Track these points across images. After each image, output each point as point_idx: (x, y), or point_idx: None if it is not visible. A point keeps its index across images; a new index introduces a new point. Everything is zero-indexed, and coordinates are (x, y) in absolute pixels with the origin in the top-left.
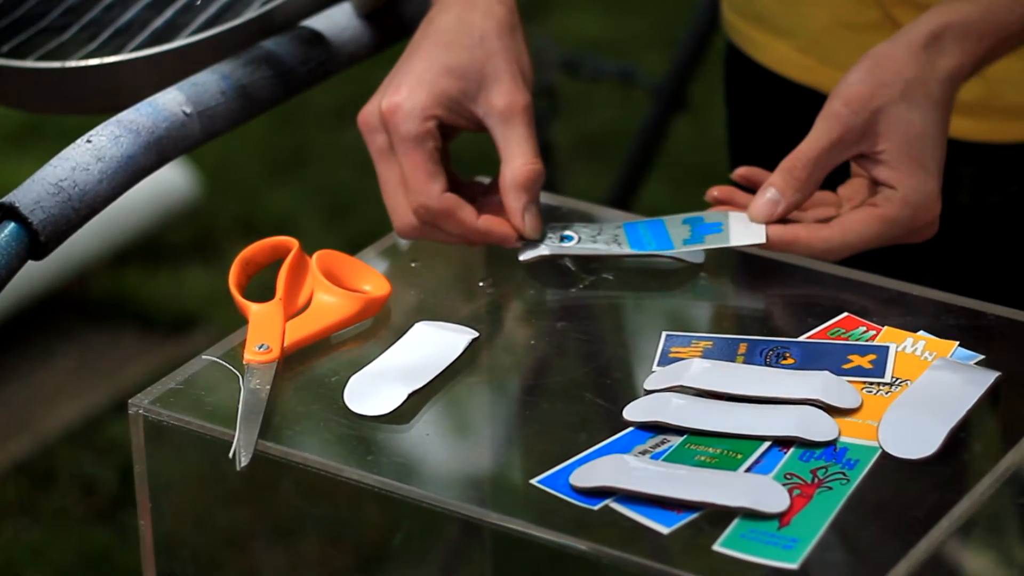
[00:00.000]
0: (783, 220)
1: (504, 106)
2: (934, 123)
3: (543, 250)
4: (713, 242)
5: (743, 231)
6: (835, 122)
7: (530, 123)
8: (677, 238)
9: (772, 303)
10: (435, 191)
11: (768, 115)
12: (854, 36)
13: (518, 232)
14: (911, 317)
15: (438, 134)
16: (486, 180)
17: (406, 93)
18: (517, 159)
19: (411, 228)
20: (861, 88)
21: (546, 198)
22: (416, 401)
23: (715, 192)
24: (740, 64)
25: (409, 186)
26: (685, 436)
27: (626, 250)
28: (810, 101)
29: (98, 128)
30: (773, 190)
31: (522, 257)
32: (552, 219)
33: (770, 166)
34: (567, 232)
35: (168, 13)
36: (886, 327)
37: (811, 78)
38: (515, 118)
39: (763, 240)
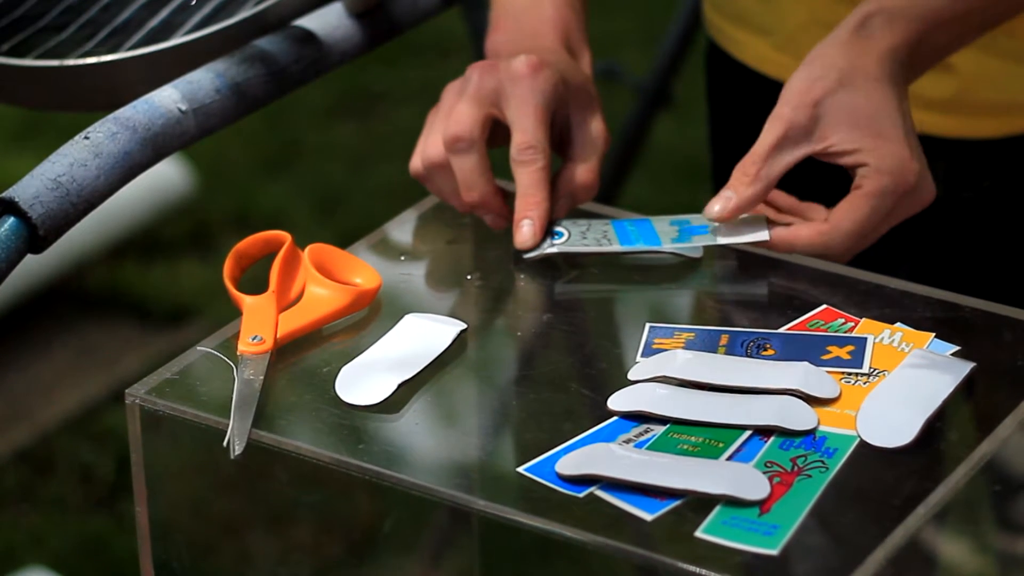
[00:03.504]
0: (786, 224)
1: (600, 129)
2: (881, 98)
3: (546, 248)
4: (701, 242)
5: (737, 231)
6: (778, 121)
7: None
8: (665, 237)
9: (753, 296)
10: (541, 133)
11: (747, 111)
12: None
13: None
14: (888, 309)
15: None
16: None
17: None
18: (589, 163)
19: (434, 160)
20: (799, 87)
21: None
22: (406, 391)
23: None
24: (720, 61)
25: (515, 125)
26: (668, 425)
27: (620, 248)
28: None
29: (96, 125)
30: (727, 191)
31: (527, 256)
32: None
33: None
34: (557, 229)
35: (164, 13)
36: (864, 319)
37: (788, 75)
38: (603, 143)
39: (766, 237)
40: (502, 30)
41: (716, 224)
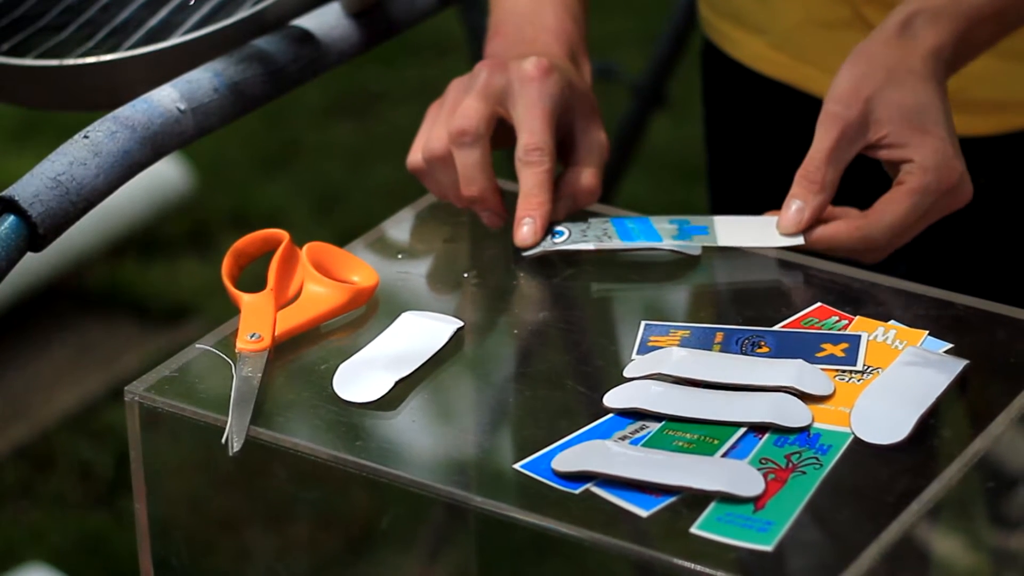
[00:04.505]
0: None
1: (602, 137)
2: (926, 95)
3: (546, 246)
4: (701, 242)
5: (765, 235)
6: (833, 121)
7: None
8: (666, 235)
9: (748, 293)
10: (548, 136)
11: (743, 110)
12: (826, 33)
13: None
14: (882, 307)
15: (558, 100)
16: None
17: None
18: (592, 168)
19: (437, 153)
20: (847, 85)
21: None
22: (403, 388)
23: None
24: (716, 60)
25: (522, 126)
26: (663, 422)
27: (621, 244)
28: (783, 97)
29: (95, 124)
30: (796, 200)
31: (527, 254)
32: None
33: (745, 160)
34: (558, 228)
35: (163, 13)
36: (858, 317)
37: (784, 74)
38: (604, 152)
39: (801, 241)
40: (502, 36)
41: (715, 225)
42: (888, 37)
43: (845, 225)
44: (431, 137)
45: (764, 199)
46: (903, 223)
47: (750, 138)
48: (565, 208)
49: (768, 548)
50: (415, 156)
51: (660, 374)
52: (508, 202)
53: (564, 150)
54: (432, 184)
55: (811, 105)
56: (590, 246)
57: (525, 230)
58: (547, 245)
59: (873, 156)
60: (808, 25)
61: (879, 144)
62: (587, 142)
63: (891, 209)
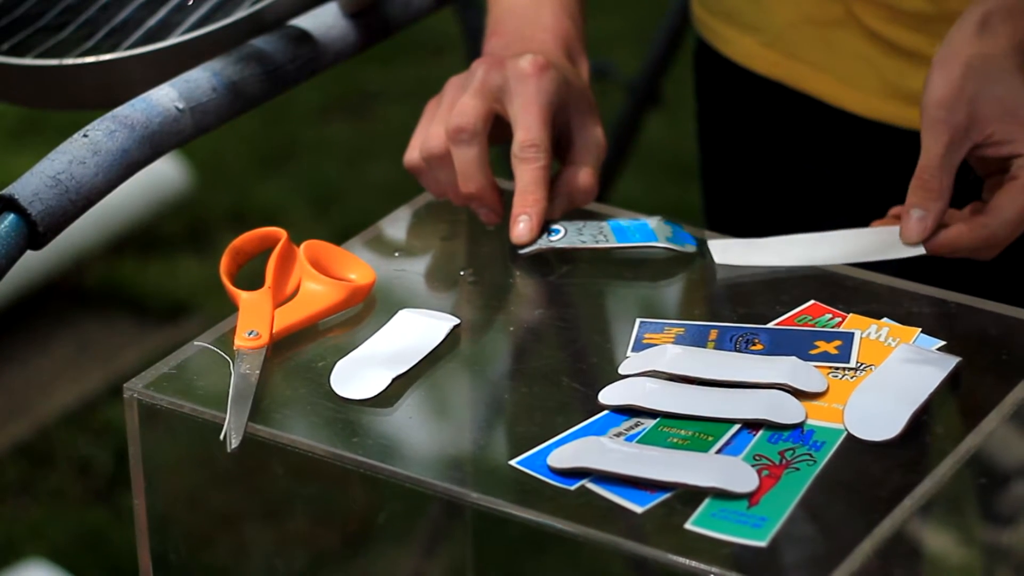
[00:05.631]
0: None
1: (599, 136)
2: (1019, 89)
3: (542, 244)
4: (692, 249)
5: (880, 247)
6: (941, 127)
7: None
8: (661, 235)
9: (742, 291)
10: (544, 133)
11: (735, 108)
12: (818, 31)
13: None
14: (875, 304)
15: (554, 97)
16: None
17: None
18: (588, 167)
19: (435, 151)
20: (947, 89)
21: None
22: (400, 385)
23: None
24: (709, 59)
25: (518, 122)
26: (658, 419)
27: (616, 243)
28: (776, 95)
29: (94, 123)
30: (917, 210)
31: (523, 251)
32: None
33: (738, 158)
34: (554, 226)
35: (161, 12)
36: (851, 314)
37: (776, 72)
38: (601, 150)
39: (922, 251)
40: (501, 35)
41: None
42: (969, 37)
43: (967, 227)
44: (429, 135)
45: (757, 197)
46: (1020, 215)
47: (743, 136)
48: (561, 206)
49: (762, 544)
50: (412, 154)
51: (655, 371)
52: (505, 200)
53: (561, 148)
54: (430, 182)
55: (803, 103)
56: (585, 245)
57: (521, 227)
58: (543, 243)
59: (979, 155)
60: (800, 23)
61: (986, 143)
62: (584, 140)
63: (1011, 205)
